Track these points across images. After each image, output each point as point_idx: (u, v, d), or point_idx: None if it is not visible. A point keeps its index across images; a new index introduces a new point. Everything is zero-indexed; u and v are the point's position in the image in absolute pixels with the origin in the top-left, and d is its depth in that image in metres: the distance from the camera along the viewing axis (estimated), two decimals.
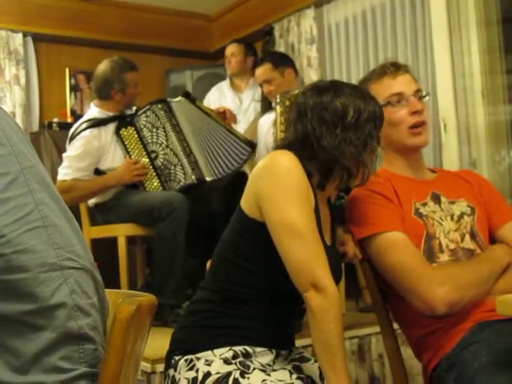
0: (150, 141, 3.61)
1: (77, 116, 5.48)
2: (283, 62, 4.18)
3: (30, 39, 5.49)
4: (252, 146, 3.81)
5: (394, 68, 2.03)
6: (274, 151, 1.78)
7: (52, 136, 4.82)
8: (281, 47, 5.32)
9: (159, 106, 3.66)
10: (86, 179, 3.52)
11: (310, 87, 1.80)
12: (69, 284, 1.03)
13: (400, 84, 1.99)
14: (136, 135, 3.61)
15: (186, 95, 3.86)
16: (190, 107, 3.78)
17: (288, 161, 1.65)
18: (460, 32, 3.91)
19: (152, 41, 5.88)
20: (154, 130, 3.61)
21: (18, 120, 5.17)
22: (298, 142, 1.72)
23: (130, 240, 3.71)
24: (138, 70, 3.75)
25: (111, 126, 3.61)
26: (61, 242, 1.04)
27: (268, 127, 3.78)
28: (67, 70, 5.71)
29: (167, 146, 3.61)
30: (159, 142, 3.61)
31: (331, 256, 1.66)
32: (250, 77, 4.86)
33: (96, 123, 3.57)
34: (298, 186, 1.63)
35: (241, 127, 4.56)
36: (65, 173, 3.51)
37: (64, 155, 3.59)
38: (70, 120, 5.44)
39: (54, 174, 4.17)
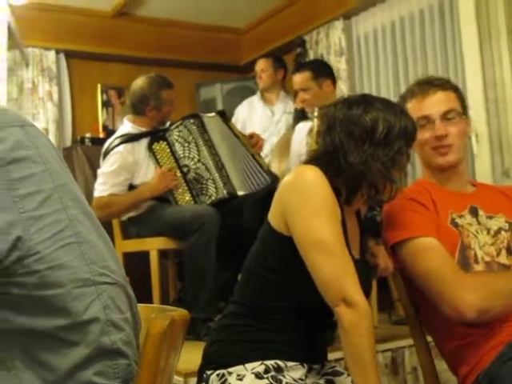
0: (182, 155, 3.62)
1: (109, 131, 5.54)
2: (323, 72, 4.07)
3: (62, 56, 5.58)
4: (273, 177, 3.75)
5: (426, 87, 2.00)
6: (301, 165, 1.78)
7: (84, 151, 4.87)
8: (310, 59, 5.32)
9: (191, 120, 3.67)
10: (122, 194, 3.56)
11: (341, 100, 1.79)
12: (102, 299, 1.04)
13: (427, 106, 1.96)
14: (168, 150, 3.63)
15: (221, 113, 3.88)
16: (222, 125, 3.79)
17: (314, 176, 1.64)
18: (490, 42, 3.88)
19: (182, 56, 5.92)
20: (186, 144, 3.63)
21: (51, 136, 5.24)
22: (326, 155, 1.71)
23: (162, 254, 3.72)
24: (174, 88, 3.77)
25: (144, 142, 3.64)
26: (94, 258, 1.05)
27: (302, 136, 3.74)
28: (99, 86, 5.79)
29: (199, 161, 3.61)
30: (191, 156, 3.62)
31: (360, 269, 1.65)
32: (281, 89, 4.87)
33: (129, 138, 3.60)
34: (324, 201, 1.62)
35: (272, 140, 4.56)
36: (101, 189, 3.53)
37: (99, 171, 3.62)
38: (102, 135, 5.50)
39: (86, 189, 4.23)
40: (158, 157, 3.62)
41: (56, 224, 1.02)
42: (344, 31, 5.10)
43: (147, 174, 3.60)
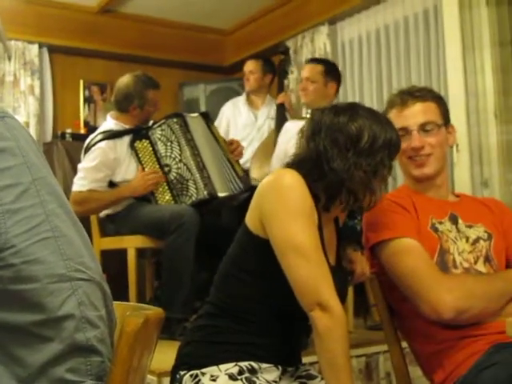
0: (163, 154, 3.62)
1: (90, 127, 5.52)
2: (333, 73, 4.11)
3: (45, 50, 5.54)
4: (246, 186, 3.73)
5: (406, 97, 2.01)
6: (280, 168, 1.78)
7: (65, 146, 4.85)
8: (294, 63, 5.33)
9: (175, 120, 3.67)
10: (101, 190, 3.54)
11: (330, 106, 1.80)
12: (77, 295, 1.03)
13: (405, 118, 1.98)
14: (150, 148, 3.62)
15: (204, 115, 3.88)
16: (205, 127, 3.78)
17: (292, 180, 1.65)
18: (473, 52, 3.90)
19: (166, 54, 5.91)
20: (169, 143, 3.62)
21: (32, 130, 5.20)
22: (309, 160, 1.71)
23: (140, 252, 3.71)
24: (159, 89, 3.77)
25: (126, 139, 3.63)
26: (70, 253, 1.04)
27: (290, 136, 3.69)
28: (81, 82, 5.75)
29: (180, 161, 3.61)
30: (173, 156, 3.61)
31: (336, 276, 1.65)
32: (267, 93, 4.85)
33: (112, 135, 3.59)
34: (301, 205, 1.62)
35: (254, 146, 4.55)
36: (81, 184, 3.52)
37: (79, 166, 3.61)
38: (83, 131, 5.48)
39: (65, 184, 4.21)
40: (140, 155, 3.61)
41: (33, 218, 1.01)
42: (329, 36, 5.11)
43: (128, 171, 3.59)
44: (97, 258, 1.14)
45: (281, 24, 5.53)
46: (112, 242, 3.69)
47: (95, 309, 1.06)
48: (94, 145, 3.56)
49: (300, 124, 3.58)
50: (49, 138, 5.44)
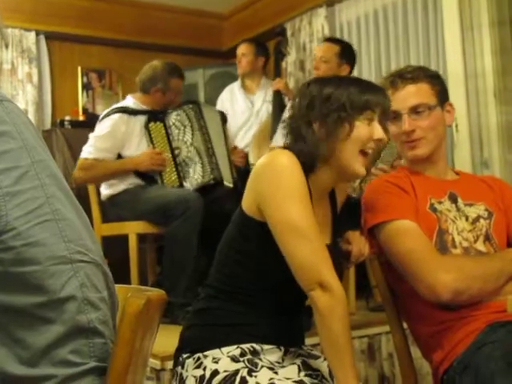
0: (176, 138, 3.69)
1: (89, 114, 5.51)
2: (349, 56, 4.09)
3: (42, 38, 5.51)
4: (235, 184, 3.79)
5: (396, 80, 2.00)
6: (274, 150, 1.78)
7: (64, 134, 4.83)
8: (292, 46, 5.31)
9: (190, 106, 3.78)
10: (107, 160, 3.59)
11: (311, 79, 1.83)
12: (79, 277, 1.04)
13: (396, 102, 1.95)
14: (163, 131, 3.69)
15: (222, 114, 4.08)
16: (219, 123, 3.94)
17: (287, 161, 1.65)
18: (472, 32, 3.89)
19: (164, 39, 5.89)
20: (182, 127, 3.71)
21: (31, 118, 5.10)
22: (287, 134, 1.75)
23: (141, 238, 3.71)
24: (183, 80, 3.91)
25: (141, 118, 3.68)
26: (71, 236, 1.04)
27: None
28: (79, 69, 5.73)
29: (191, 144, 3.69)
30: (185, 139, 3.69)
31: (331, 254, 1.64)
32: (262, 77, 4.83)
33: (127, 111, 3.66)
34: (298, 186, 1.62)
35: (253, 131, 4.53)
36: (88, 151, 3.58)
37: (90, 134, 3.66)
38: (81, 118, 5.47)
39: (65, 172, 4.20)
40: (153, 135, 3.67)
41: (33, 200, 1.01)
42: (327, 18, 5.09)
43: (138, 149, 3.64)
44: (98, 241, 1.14)
45: (279, 7, 5.50)
46: (113, 228, 3.70)
47: (97, 291, 1.06)
48: (108, 115, 3.62)
49: None
50: (48, 125, 5.43)
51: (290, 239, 1.59)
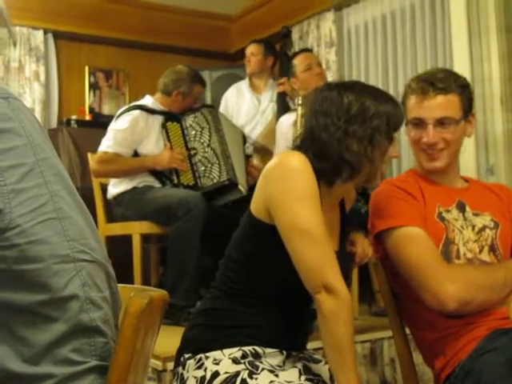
0: (192, 138, 3.74)
1: (95, 114, 5.52)
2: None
3: (50, 36, 5.52)
4: (247, 192, 3.79)
5: (427, 87, 1.92)
6: (285, 151, 1.77)
7: (70, 133, 4.84)
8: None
9: (209, 109, 3.87)
10: (125, 156, 3.60)
11: (327, 84, 1.80)
12: (81, 276, 1.04)
13: (423, 110, 1.91)
14: (180, 131, 3.75)
15: (241, 132, 4.19)
16: (236, 129, 4.05)
17: (298, 162, 1.63)
18: (480, 38, 3.88)
19: (171, 40, 5.88)
20: (199, 129, 3.76)
21: (37, 116, 5.14)
22: (307, 138, 1.71)
23: (145, 238, 3.72)
24: (205, 89, 4.06)
25: (159, 118, 3.72)
26: (74, 235, 1.05)
27: (287, 129, 3.76)
28: (87, 68, 5.74)
29: (208, 145, 3.73)
30: (202, 140, 3.74)
31: (338, 261, 1.63)
32: (269, 77, 4.85)
33: (146, 109, 3.70)
34: (308, 188, 1.61)
35: (258, 130, 4.56)
36: (108, 145, 3.59)
37: (109, 128, 3.68)
38: (88, 117, 5.47)
39: (70, 171, 4.21)
40: (170, 134, 3.71)
41: (37, 198, 1.01)
42: (335, 22, 5.09)
43: (155, 147, 3.67)
44: (101, 240, 1.14)
45: (286, 10, 5.51)
46: (117, 228, 3.70)
47: (99, 290, 1.06)
48: (127, 111, 3.65)
49: (292, 117, 3.68)
50: (54, 124, 5.43)
51: (298, 241, 1.59)
